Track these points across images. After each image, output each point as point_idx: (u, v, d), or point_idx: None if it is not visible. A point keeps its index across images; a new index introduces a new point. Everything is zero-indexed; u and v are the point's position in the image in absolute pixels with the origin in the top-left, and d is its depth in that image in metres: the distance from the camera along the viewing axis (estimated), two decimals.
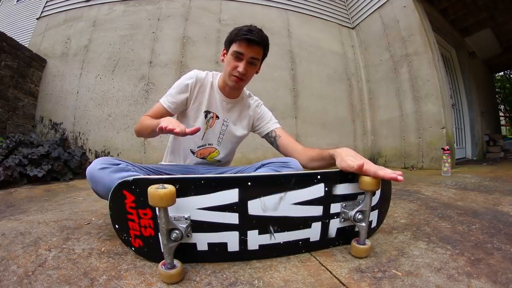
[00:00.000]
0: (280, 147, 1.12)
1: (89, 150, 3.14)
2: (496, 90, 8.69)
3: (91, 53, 3.38)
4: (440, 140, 3.00)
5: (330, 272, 0.67)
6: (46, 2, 3.88)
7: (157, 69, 3.25)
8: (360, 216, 0.75)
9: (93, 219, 1.16)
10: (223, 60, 1.09)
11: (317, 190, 0.75)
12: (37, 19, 3.92)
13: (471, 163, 3.74)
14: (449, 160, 2.55)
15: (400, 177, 0.69)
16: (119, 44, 3.35)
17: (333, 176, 0.77)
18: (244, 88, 1.18)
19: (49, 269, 0.68)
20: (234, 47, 1.01)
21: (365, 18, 3.92)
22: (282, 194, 0.72)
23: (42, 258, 0.74)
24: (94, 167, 0.85)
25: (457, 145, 4.03)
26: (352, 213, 0.75)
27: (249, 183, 0.70)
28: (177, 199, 0.64)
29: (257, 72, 1.10)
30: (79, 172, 2.70)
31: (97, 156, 3.10)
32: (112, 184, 0.70)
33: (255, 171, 1.02)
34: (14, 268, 0.68)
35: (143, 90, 3.19)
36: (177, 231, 0.63)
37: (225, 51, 1.08)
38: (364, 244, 0.75)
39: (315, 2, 4.01)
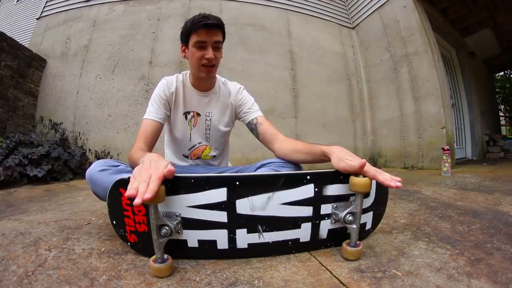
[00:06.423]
0: (260, 135, 1.08)
1: (89, 150, 3.14)
2: (496, 90, 8.68)
3: (91, 53, 3.38)
4: (440, 140, 2.99)
5: (330, 272, 0.67)
6: (46, 2, 3.88)
7: (157, 69, 3.24)
8: (350, 218, 0.73)
9: (93, 219, 1.16)
10: (185, 56, 1.06)
11: (307, 191, 0.74)
12: (37, 19, 3.92)
13: (471, 163, 3.73)
14: (449, 160, 2.55)
15: (398, 183, 0.68)
16: (119, 44, 3.35)
17: (324, 176, 0.76)
18: (218, 76, 1.15)
19: (49, 269, 0.68)
20: (194, 38, 0.98)
21: (365, 18, 3.92)
22: (270, 194, 0.72)
23: (42, 258, 0.74)
24: (94, 169, 0.85)
25: (457, 145, 4.02)
26: (342, 214, 0.73)
27: (237, 183, 0.71)
28: (169, 197, 0.67)
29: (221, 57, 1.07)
30: (79, 172, 2.70)
31: (97, 156, 3.10)
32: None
33: (255, 171, 1.02)
34: (14, 268, 0.68)
35: (143, 90, 3.19)
36: (166, 227, 0.65)
37: (184, 47, 1.05)
38: (355, 246, 0.73)
39: (315, 2, 4.01)
